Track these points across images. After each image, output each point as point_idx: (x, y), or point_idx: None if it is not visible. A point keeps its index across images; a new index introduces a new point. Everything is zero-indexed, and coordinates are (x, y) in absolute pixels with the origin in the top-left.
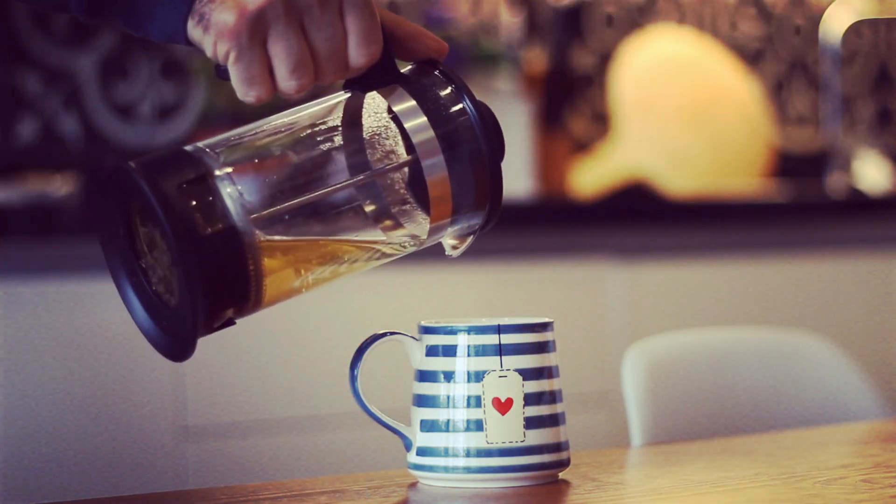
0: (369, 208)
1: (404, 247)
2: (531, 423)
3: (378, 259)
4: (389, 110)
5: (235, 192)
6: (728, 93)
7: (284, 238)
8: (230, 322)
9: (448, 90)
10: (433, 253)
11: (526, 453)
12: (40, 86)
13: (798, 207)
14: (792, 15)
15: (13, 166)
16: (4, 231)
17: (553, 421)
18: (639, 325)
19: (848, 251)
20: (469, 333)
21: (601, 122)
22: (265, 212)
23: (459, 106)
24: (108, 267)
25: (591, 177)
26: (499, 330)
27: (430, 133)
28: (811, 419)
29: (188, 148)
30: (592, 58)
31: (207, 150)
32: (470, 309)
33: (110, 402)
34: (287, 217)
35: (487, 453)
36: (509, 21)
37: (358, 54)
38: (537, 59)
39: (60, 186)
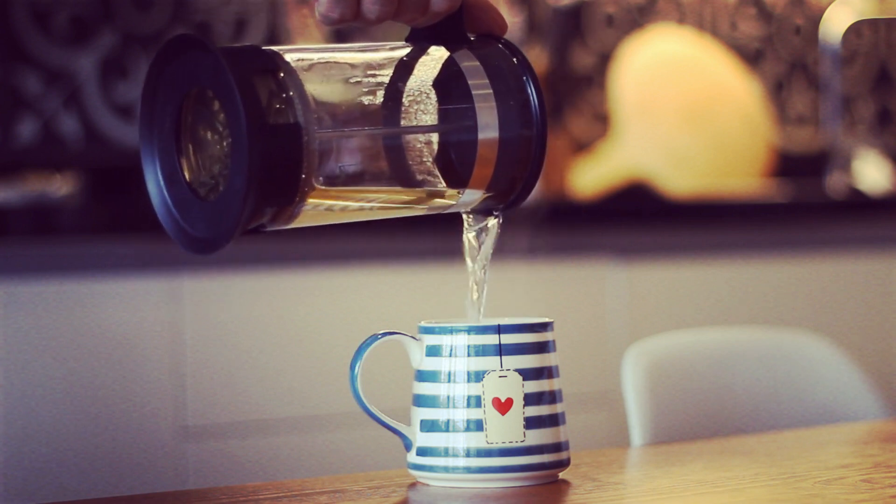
0: (408, 163)
1: (437, 203)
2: (531, 423)
3: (407, 210)
4: (451, 65)
5: (305, 97)
6: (728, 93)
7: (336, 159)
8: (262, 227)
9: (511, 63)
10: (433, 253)
11: (526, 453)
12: (40, 86)
13: (798, 207)
14: (792, 15)
15: (13, 166)
16: (4, 231)
17: (553, 421)
18: (639, 325)
19: (848, 251)
20: (469, 333)
21: (601, 122)
22: (326, 129)
23: (521, 80)
24: (143, 158)
25: (591, 177)
26: (499, 330)
27: (490, 93)
28: (811, 419)
29: (263, 48)
30: (592, 58)
31: (282, 53)
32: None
33: (110, 402)
34: (343, 142)
35: (487, 453)
36: (509, 21)
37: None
38: (537, 59)
39: (60, 186)
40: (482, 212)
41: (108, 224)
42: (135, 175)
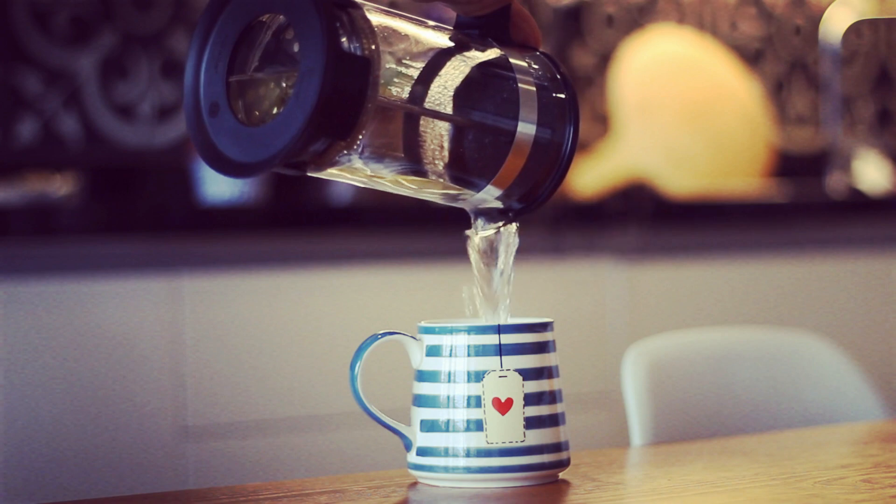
0: (446, 142)
1: (461, 189)
2: (531, 423)
3: (430, 190)
4: (502, 59)
5: (376, 43)
6: (728, 93)
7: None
8: (302, 165)
9: (552, 71)
10: (433, 253)
11: (526, 453)
12: (40, 86)
13: (798, 207)
14: (792, 15)
15: (13, 166)
16: (4, 231)
17: (553, 421)
18: (639, 325)
19: (848, 251)
20: (469, 333)
21: (601, 122)
22: (386, 97)
23: (561, 88)
24: (185, 78)
25: (592, 177)
26: (499, 330)
27: (535, 92)
28: (811, 419)
29: None
30: (592, 58)
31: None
32: (470, 309)
33: (110, 402)
34: (396, 107)
35: (487, 453)
36: None
37: None
38: None
39: (60, 186)
40: (498, 212)
41: (108, 224)
42: (135, 175)
